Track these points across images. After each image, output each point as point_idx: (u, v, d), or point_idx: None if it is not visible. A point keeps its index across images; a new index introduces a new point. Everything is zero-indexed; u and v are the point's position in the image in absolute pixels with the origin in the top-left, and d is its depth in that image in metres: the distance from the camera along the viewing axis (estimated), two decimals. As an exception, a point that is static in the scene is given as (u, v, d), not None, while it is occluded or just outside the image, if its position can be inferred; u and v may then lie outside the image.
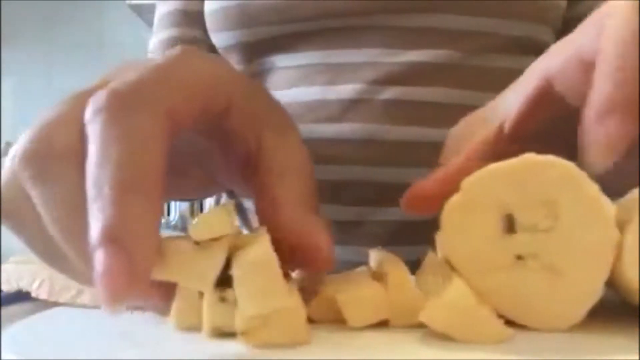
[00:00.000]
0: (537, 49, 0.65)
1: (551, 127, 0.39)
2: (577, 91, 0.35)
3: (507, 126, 0.39)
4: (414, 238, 0.62)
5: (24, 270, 0.47)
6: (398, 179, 0.62)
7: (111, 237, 0.25)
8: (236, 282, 0.32)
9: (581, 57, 0.35)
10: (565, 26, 0.68)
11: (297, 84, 0.65)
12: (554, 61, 0.37)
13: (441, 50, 0.61)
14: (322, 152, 0.63)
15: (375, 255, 0.44)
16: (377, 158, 0.62)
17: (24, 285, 0.46)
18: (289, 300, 0.33)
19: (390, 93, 0.61)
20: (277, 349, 0.32)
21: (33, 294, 0.45)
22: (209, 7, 0.71)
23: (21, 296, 0.45)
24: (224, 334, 0.34)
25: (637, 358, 0.30)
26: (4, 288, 0.46)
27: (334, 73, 0.64)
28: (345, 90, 0.63)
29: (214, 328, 0.35)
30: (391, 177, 0.62)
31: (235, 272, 0.32)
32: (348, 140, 0.62)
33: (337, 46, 0.64)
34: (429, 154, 0.62)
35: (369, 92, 0.62)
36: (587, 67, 0.35)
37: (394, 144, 0.62)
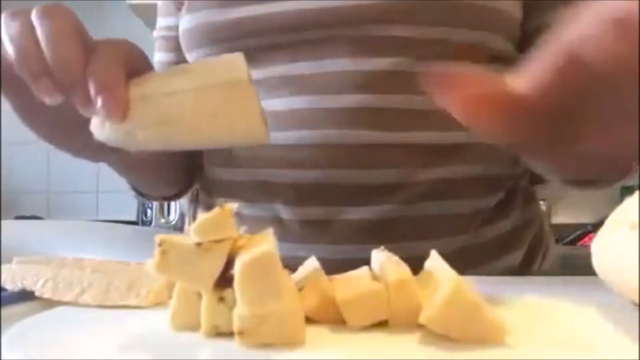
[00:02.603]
0: (488, 56, 0.67)
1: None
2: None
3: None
4: (387, 236, 0.64)
5: (28, 269, 0.47)
6: (362, 180, 0.64)
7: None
8: (236, 282, 0.33)
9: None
10: (526, 38, 0.70)
11: (263, 96, 0.67)
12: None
13: (399, 58, 0.64)
14: (288, 156, 0.66)
15: (376, 256, 0.44)
16: (342, 161, 0.64)
17: (27, 285, 0.46)
18: (286, 302, 0.33)
19: (352, 100, 0.65)
20: (276, 349, 0.32)
21: (37, 293, 0.45)
22: (181, 28, 0.73)
23: (25, 295, 0.45)
24: (222, 333, 0.35)
25: (637, 358, 0.30)
26: (9, 287, 0.46)
27: (298, 84, 0.66)
28: (310, 99, 0.65)
29: (212, 328, 0.35)
30: (356, 178, 0.64)
31: (235, 272, 0.33)
32: (313, 145, 0.65)
33: (300, 58, 0.66)
34: (391, 156, 0.65)
35: (332, 101, 0.64)
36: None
37: (357, 147, 0.64)
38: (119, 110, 0.42)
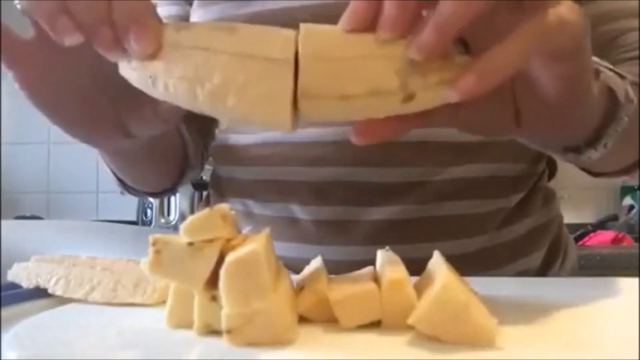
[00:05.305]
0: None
1: None
2: None
3: None
4: (405, 236, 0.63)
5: (42, 267, 0.48)
6: (380, 179, 0.63)
7: None
8: (221, 281, 0.33)
9: None
10: None
11: None
12: None
13: None
14: (305, 154, 0.65)
15: (379, 256, 0.44)
16: (360, 159, 0.63)
17: (41, 282, 0.47)
18: (271, 301, 0.33)
19: None
20: (264, 348, 0.33)
21: (50, 291, 0.47)
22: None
23: (39, 292, 0.47)
24: (215, 331, 0.35)
25: (637, 358, 0.30)
26: (24, 284, 0.48)
27: None
28: None
29: (204, 326, 0.36)
30: (374, 177, 0.63)
31: (220, 272, 0.33)
32: (330, 142, 0.63)
33: None
34: (410, 154, 0.63)
35: None
36: None
37: (375, 145, 0.63)
38: (151, 45, 0.37)
